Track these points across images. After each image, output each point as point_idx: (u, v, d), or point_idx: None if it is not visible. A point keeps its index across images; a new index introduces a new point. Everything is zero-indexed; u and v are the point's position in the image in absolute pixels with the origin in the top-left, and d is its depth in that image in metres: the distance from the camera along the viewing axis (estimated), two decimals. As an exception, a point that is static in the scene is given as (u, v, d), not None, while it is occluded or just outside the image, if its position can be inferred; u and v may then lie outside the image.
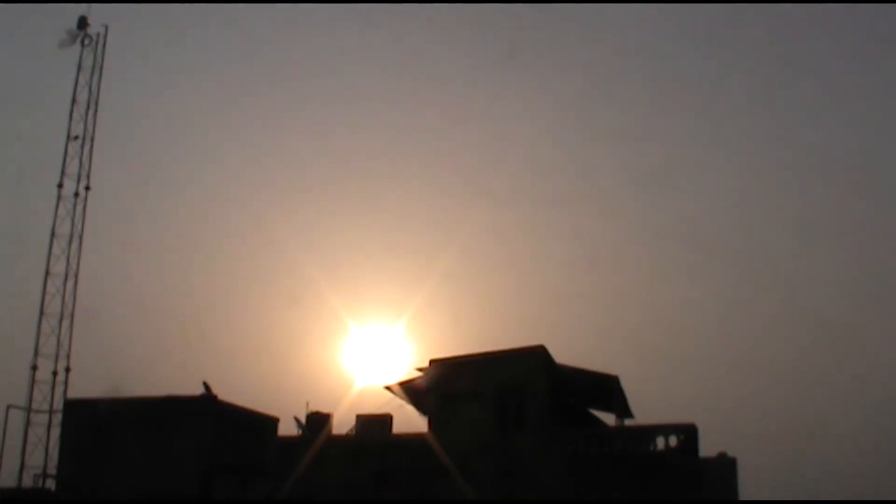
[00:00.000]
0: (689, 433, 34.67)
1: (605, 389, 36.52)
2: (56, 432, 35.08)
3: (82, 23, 39.00)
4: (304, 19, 75.53)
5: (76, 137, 38.52)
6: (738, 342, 61.06)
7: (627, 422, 37.71)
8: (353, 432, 36.79)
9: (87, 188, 38.70)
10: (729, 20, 72.78)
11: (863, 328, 60.48)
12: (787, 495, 36.67)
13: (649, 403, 39.41)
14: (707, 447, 34.69)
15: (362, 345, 42.20)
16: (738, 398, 52.41)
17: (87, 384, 36.55)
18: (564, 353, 35.91)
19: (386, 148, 70.69)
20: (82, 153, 38.91)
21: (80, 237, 38.09)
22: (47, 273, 37.40)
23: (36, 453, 35.36)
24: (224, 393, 33.60)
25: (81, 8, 39.40)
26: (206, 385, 33.91)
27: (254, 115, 73.54)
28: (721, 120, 74.89)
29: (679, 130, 73.86)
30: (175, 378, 49.35)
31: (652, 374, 50.41)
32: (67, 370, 36.67)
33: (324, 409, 37.54)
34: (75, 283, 37.67)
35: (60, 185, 38.43)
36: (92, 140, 39.08)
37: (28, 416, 35.56)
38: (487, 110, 74.97)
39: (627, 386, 36.73)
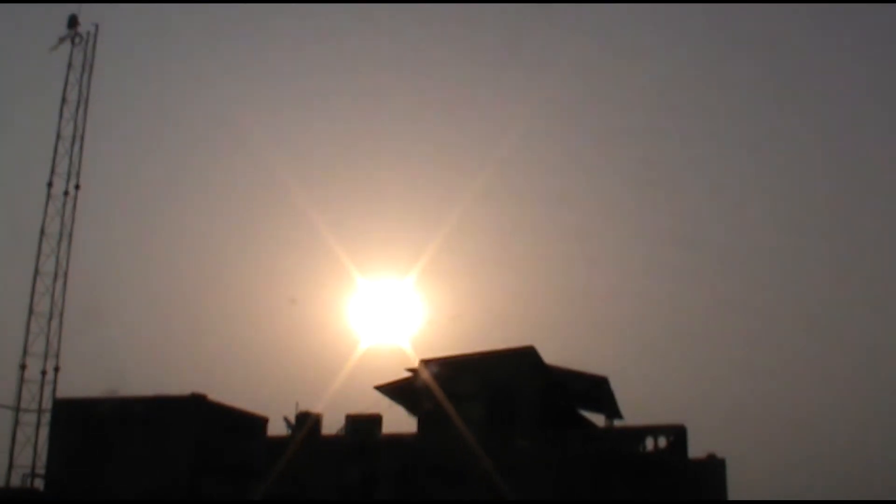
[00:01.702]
0: (678, 434, 34.82)
1: (595, 390, 36.64)
2: (45, 432, 35.03)
3: (72, 21, 38.92)
4: (297, 16, 75.68)
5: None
6: (735, 343, 61.06)
7: (616, 422, 37.85)
8: (343, 432, 36.74)
9: (77, 187, 38.58)
10: (730, 20, 72.94)
11: (856, 329, 60.76)
12: (777, 496, 36.86)
13: (644, 404, 39.59)
14: (698, 448, 34.98)
15: (370, 300, 41.14)
16: (733, 399, 52.68)
17: (78, 383, 36.51)
18: (560, 353, 36.12)
19: (382, 162, 70.49)
20: (72, 151, 38.86)
21: (70, 236, 38.04)
22: (37, 272, 37.32)
23: (24, 453, 35.30)
24: (219, 388, 33.87)
25: (72, 7, 39.41)
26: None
27: (246, 111, 73.38)
28: (721, 120, 75.12)
29: (679, 131, 74.08)
30: (167, 376, 49.50)
31: (645, 374, 50.53)
32: (56, 369, 36.55)
33: (314, 408, 37.57)
34: (65, 282, 37.64)
35: (50, 184, 38.33)
36: (82, 139, 39.01)
37: (17, 415, 35.45)
38: (487, 108, 75.14)
39: (621, 386, 36.94)
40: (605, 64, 75.81)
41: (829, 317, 61.60)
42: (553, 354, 35.85)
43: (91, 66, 39.16)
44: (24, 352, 36.22)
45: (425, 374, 35.88)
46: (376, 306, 41.40)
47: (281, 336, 56.48)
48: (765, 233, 68.71)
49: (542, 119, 67.45)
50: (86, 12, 39.29)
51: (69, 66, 38.99)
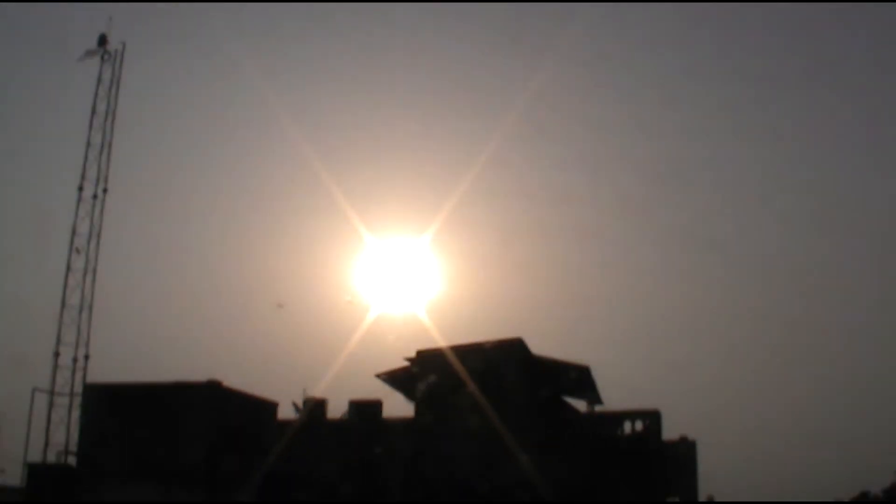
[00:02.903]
0: (653, 418, 37.42)
1: (578, 378, 39.02)
2: (76, 413, 38.03)
3: (102, 40, 41.88)
4: (310, 24, 77.64)
5: None
6: (734, 339, 62.28)
7: (598, 408, 40.32)
8: (347, 416, 39.25)
9: (105, 190, 41.61)
10: (748, 15, 72.97)
11: (832, 322, 62.00)
12: (744, 474, 39.27)
13: (625, 391, 41.63)
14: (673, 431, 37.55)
15: (381, 262, 39.05)
16: (734, 400, 54.26)
17: (106, 370, 39.42)
18: (551, 339, 37.65)
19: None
20: (101, 158, 41.81)
21: (99, 235, 41.07)
22: (68, 268, 40.42)
23: (58, 432, 38.31)
24: (236, 376, 36.27)
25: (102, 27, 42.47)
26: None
27: (255, 116, 76.19)
28: (735, 115, 74.73)
29: (692, 126, 73.64)
30: (188, 363, 52.29)
31: (625, 363, 52.04)
32: (87, 357, 39.62)
33: (320, 394, 39.86)
34: (94, 277, 40.63)
35: (81, 188, 41.40)
36: (109, 146, 42.03)
37: (51, 398, 38.41)
38: (494, 103, 75.68)
39: (605, 374, 39.27)
40: (616, 58, 75.55)
41: (816, 313, 63.22)
42: (546, 340, 37.85)
43: (118, 81, 42.20)
44: (58, 341, 39.31)
45: (421, 364, 38.14)
46: (388, 269, 39.89)
47: (290, 312, 57.68)
48: (781, 230, 69.34)
49: (552, 116, 67.60)
50: (114, 32, 42.39)
51: (98, 80, 42.05)
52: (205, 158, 74.47)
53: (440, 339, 37.18)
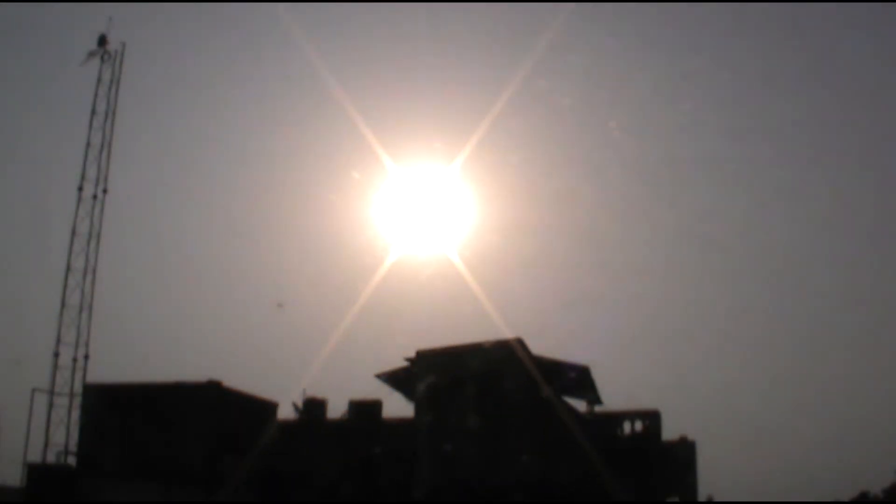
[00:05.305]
0: (653, 418, 37.55)
1: (578, 378, 39.16)
2: (76, 413, 38.24)
3: (102, 41, 41.92)
4: (311, 23, 77.59)
5: None
6: (733, 339, 62.27)
7: (597, 408, 40.46)
8: (347, 416, 39.34)
9: (105, 191, 41.69)
10: (744, 15, 72.56)
11: (860, 329, 62.05)
12: (744, 474, 39.50)
13: (624, 391, 41.81)
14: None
15: (403, 193, 33.45)
16: (708, 387, 54.47)
17: (106, 370, 39.55)
18: (563, 348, 37.86)
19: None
20: (100, 158, 41.91)
21: (98, 235, 41.19)
22: (68, 268, 40.54)
23: (58, 432, 38.40)
24: (234, 376, 36.36)
25: (102, 27, 42.53)
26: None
27: (252, 118, 76.33)
28: (735, 112, 74.89)
29: (690, 124, 73.78)
30: (187, 364, 52.46)
31: (624, 363, 52.08)
32: (86, 357, 39.72)
33: (319, 394, 40.02)
34: (93, 277, 40.77)
35: (80, 188, 41.49)
36: (109, 147, 42.10)
37: (51, 398, 38.50)
38: (491, 104, 75.27)
39: (623, 377, 39.41)
40: (614, 54, 75.56)
41: (816, 313, 63.43)
42: (546, 340, 37.92)
43: (118, 81, 42.23)
44: (58, 341, 39.38)
45: (421, 364, 38.21)
46: (412, 201, 34.41)
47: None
48: (768, 230, 69.52)
49: (551, 112, 67.60)
50: (114, 32, 42.46)
51: (98, 80, 42.11)
52: (205, 158, 74.56)
53: (473, 283, 32.32)
